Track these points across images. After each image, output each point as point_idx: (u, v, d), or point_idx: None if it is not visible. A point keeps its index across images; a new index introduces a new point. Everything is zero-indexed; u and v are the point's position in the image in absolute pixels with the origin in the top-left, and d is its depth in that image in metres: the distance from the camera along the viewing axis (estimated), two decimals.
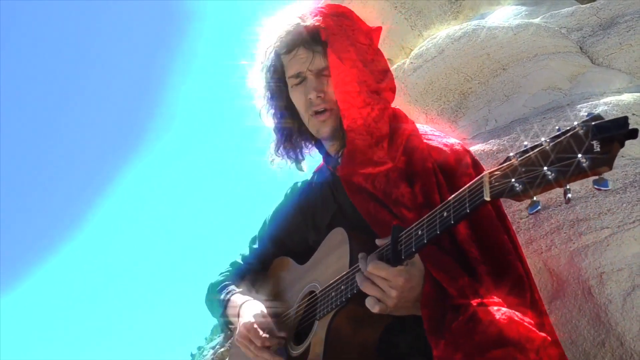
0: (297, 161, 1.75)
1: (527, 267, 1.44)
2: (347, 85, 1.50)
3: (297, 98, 1.61)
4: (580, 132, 0.89)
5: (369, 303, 1.31)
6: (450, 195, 1.17)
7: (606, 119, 0.87)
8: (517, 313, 1.21)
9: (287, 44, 1.58)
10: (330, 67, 1.52)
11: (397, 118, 1.61)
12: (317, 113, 1.58)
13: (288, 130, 1.72)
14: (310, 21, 1.56)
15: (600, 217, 1.73)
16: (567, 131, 0.91)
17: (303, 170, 1.78)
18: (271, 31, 1.65)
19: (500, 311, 1.21)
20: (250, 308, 1.67)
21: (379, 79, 1.56)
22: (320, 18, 1.55)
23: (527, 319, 1.22)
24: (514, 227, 1.65)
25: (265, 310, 1.65)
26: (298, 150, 1.74)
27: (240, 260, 1.94)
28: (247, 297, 1.74)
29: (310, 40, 1.55)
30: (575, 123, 0.90)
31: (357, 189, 1.58)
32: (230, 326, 1.80)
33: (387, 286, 1.28)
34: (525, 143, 1.00)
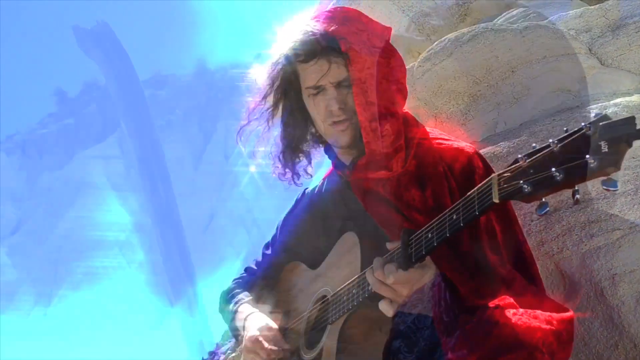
0: (296, 174, 1.75)
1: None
2: (368, 98, 1.49)
3: (315, 108, 1.59)
4: (588, 132, 0.89)
5: (383, 308, 1.32)
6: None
7: (614, 119, 0.88)
8: (532, 318, 1.21)
9: (305, 52, 1.54)
10: (351, 79, 1.50)
11: (407, 122, 1.61)
12: (335, 123, 1.56)
13: (296, 137, 1.71)
14: (324, 29, 1.53)
15: (612, 218, 1.72)
16: (575, 132, 0.92)
17: (298, 185, 1.78)
18: (282, 37, 1.62)
19: (516, 315, 1.21)
20: (255, 321, 1.68)
21: (396, 89, 1.55)
22: (335, 26, 1.52)
23: (544, 324, 1.22)
24: (524, 230, 1.65)
25: (270, 323, 1.66)
26: (303, 158, 1.74)
27: (254, 266, 1.96)
28: (253, 309, 1.75)
29: (329, 50, 1.52)
30: (583, 124, 0.90)
31: (368, 193, 1.59)
32: (237, 334, 1.81)
33: (399, 286, 1.30)
34: (534, 145, 1.01)
